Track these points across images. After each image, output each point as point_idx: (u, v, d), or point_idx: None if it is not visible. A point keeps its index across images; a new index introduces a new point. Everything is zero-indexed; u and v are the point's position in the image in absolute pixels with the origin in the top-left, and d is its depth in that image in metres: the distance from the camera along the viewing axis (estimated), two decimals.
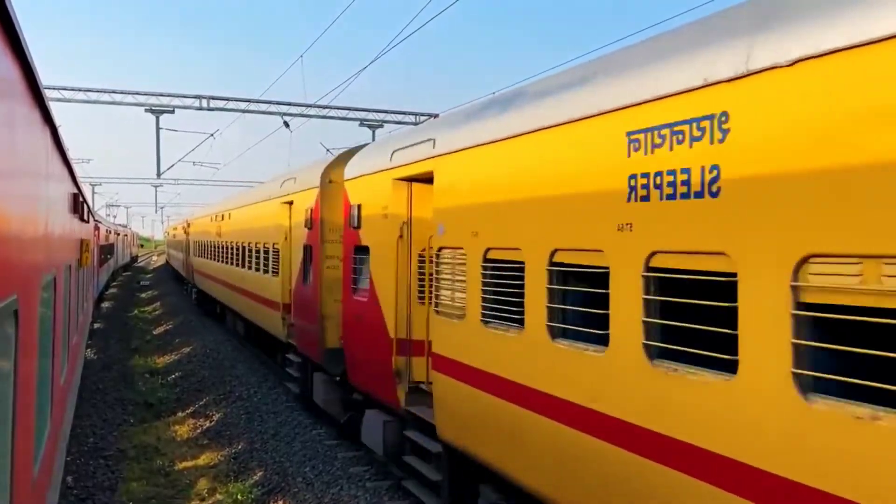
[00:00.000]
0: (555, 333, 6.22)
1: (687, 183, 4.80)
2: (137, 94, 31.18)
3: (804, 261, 4.01)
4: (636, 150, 5.27)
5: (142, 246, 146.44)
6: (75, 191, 10.24)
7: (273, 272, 17.02)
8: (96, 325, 29.72)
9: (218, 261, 26.48)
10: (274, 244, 16.96)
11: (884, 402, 3.65)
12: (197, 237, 34.58)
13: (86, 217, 13.25)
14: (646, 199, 5.16)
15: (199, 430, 15.02)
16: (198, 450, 13.69)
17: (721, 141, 4.54)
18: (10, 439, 3.81)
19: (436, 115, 27.88)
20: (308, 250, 13.92)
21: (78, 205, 10.48)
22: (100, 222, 27.40)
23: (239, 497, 10.87)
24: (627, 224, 5.31)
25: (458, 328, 7.94)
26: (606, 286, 5.52)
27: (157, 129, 32.04)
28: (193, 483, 11.83)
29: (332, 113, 33.21)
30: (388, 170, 10.08)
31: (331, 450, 12.61)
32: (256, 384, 17.98)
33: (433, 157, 8.61)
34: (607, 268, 5.50)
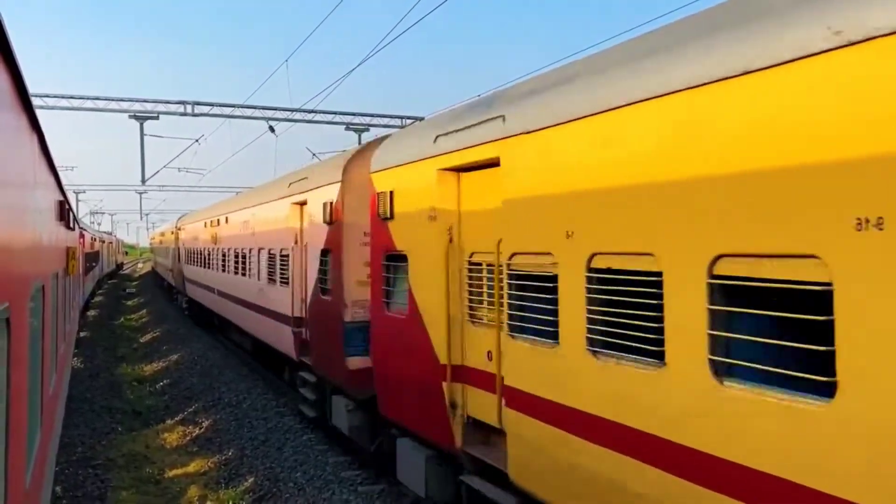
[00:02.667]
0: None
1: None
2: (122, 100, 31.01)
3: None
4: None
5: (126, 253, 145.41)
6: (61, 198, 10.18)
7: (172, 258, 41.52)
8: (82, 334, 29.49)
9: (159, 257, 57.81)
10: (173, 246, 39.79)
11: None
12: (154, 246, 71.53)
13: (71, 224, 13.16)
14: None
15: (188, 438, 14.92)
16: (188, 457, 13.60)
17: None
18: (3, 449, 3.78)
19: (421, 118, 27.86)
20: (178, 250, 36.00)
21: (64, 212, 10.41)
22: (85, 230, 27.26)
23: None
24: None
25: (192, 269, 31.55)
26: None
27: (142, 135, 31.84)
28: (184, 491, 11.75)
29: (318, 117, 33.15)
30: (175, 230, 39.56)
31: (322, 454, 12.57)
32: (246, 390, 17.90)
33: (178, 226, 37.94)
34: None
